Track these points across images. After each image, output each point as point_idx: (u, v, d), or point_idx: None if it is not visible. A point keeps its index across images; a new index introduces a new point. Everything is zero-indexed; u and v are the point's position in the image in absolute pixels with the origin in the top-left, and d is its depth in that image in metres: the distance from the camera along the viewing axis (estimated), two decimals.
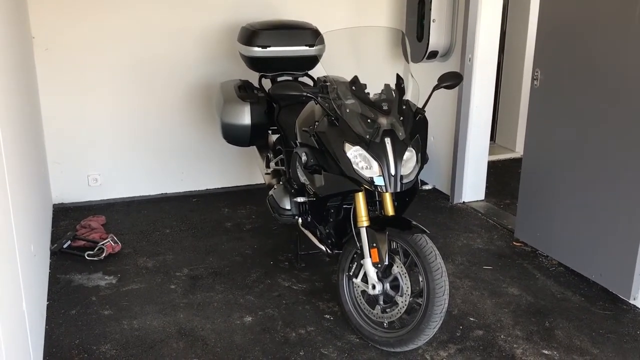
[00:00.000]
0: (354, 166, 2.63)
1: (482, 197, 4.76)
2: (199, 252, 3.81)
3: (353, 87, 2.74)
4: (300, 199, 3.05)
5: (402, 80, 2.77)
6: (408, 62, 2.92)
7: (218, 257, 3.74)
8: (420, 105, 2.85)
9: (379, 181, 2.62)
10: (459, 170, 4.64)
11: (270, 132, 3.97)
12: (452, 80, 2.88)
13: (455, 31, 4.52)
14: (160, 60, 4.50)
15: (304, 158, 2.95)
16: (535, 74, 3.69)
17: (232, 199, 4.69)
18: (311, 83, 4.09)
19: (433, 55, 4.65)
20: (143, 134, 4.61)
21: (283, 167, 3.69)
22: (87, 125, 4.45)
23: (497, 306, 3.23)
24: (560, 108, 3.55)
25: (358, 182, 2.66)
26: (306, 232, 3.25)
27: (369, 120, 2.65)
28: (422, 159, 2.77)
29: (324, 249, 3.14)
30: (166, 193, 4.76)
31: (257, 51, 3.82)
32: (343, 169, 2.67)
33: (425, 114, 2.85)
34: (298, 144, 3.09)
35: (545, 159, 3.72)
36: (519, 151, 5.83)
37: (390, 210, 2.83)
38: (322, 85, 2.83)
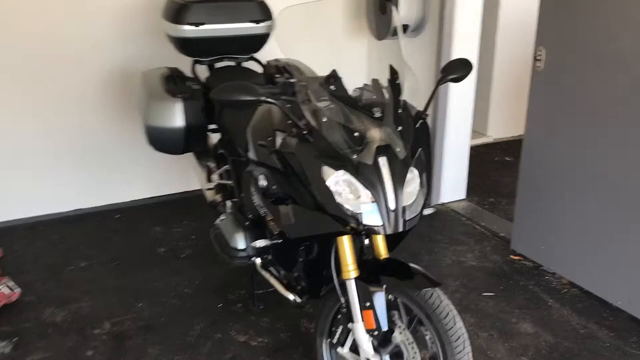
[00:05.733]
0: (337, 199, 1.85)
1: (464, 195, 4.08)
2: (125, 295, 2.95)
3: (331, 87, 1.94)
4: (260, 243, 2.25)
5: (397, 73, 1.98)
6: (400, 48, 2.11)
7: (150, 301, 2.90)
8: (414, 104, 2.09)
9: (372, 219, 1.84)
10: (437, 165, 3.92)
11: (209, 133, 3.12)
12: (460, 71, 2.12)
13: (428, 0, 3.77)
14: (64, 44, 3.53)
15: (262, 183, 2.15)
16: (539, 53, 2.99)
17: (164, 213, 3.82)
18: (259, 69, 3.26)
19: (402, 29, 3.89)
20: (48, 137, 3.65)
21: (230, 182, 2.87)
22: None
23: (512, 352, 2.56)
24: (570, 94, 2.87)
25: (343, 220, 1.87)
26: (267, 275, 2.45)
27: (355, 134, 1.86)
28: (428, 182, 2.02)
29: (291, 298, 2.36)
30: (81, 209, 3.84)
31: (188, 30, 2.95)
32: (321, 203, 1.88)
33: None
34: (251, 160, 2.28)
35: (550, 156, 3.05)
36: (491, 135, 5.19)
37: (382, 251, 2.08)
38: (286, 82, 2.01)
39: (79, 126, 3.71)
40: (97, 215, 3.80)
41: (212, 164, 3.08)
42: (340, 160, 1.84)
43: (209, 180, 3.04)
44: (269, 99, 1.87)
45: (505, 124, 5.15)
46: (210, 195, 3.03)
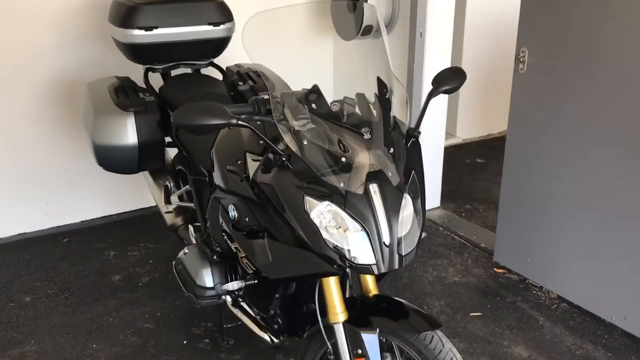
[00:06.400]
0: (324, 235, 1.59)
1: (438, 203, 3.88)
2: (77, 334, 2.63)
3: (313, 105, 1.68)
4: (233, 286, 1.98)
5: (386, 87, 1.74)
6: (387, 54, 1.85)
7: (105, 341, 2.58)
8: (402, 120, 1.85)
9: (363, 256, 1.59)
10: None
11: (166, 148, 2.82)
12: (453, 82, 1.89)
13: None
14: (1, 50, 3.17)
15: (232, 214, 1.88)
16: (522, 54, 2.80)
17: (118, 234, 3.48)
18: (219, 75, 2.98)
19: (368, 30, 3.64)
20: None
21: (191, 205, 2.58)
22: None
23: None
24: (555, 96, 2.70)
25: (330, 259, 1.62)
26: (239, 314, 2.18)
27: (342, 159, 1.61)
28: (423, 208, 1.78)
29: (267, 338, 2.09)
30: (25, 233, 3.46)
31: (138, 35, 2.65)
32: (305, 239, 1.62)
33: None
34: (217, 186, 2.00)
35: (535, 162, 2.87)
36: (460, 135, 5.02)
37: (371, 286, 1.84)
38: (258, 99, 1.74)
39: (19, 143, 3.34)
40: (43, 239, 3.43)
41: (170, 184, 2.78)
42: (325, 189, 1.59)
43: (168, 201, 2.73)
44: (242, 122, 1.59)
45: (474, 124, 4.99)
46: (169, 219, 2.73)
